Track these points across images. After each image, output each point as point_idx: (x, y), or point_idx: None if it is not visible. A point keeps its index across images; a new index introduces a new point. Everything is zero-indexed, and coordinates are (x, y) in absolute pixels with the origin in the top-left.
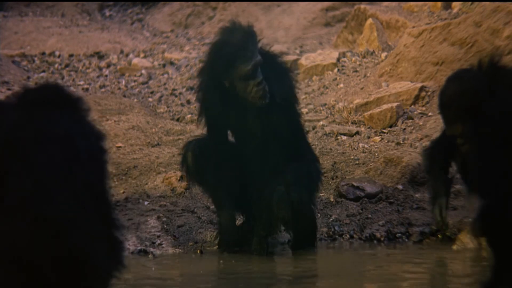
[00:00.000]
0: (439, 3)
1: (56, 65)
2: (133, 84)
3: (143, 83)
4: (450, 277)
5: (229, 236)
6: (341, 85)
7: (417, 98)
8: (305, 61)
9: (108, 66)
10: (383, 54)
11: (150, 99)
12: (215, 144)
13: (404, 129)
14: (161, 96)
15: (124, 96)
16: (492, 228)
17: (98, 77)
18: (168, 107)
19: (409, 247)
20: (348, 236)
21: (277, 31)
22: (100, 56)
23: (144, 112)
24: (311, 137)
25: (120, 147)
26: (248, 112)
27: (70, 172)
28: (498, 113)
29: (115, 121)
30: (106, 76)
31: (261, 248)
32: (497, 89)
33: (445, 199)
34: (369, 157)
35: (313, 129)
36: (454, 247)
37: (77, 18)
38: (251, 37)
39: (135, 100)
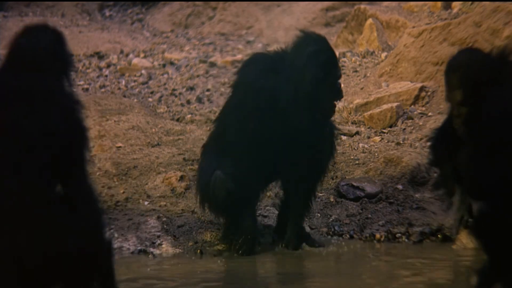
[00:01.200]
0: (439, 3)
1: None
2: (133, 84)
3: (143, 83)
4: (450, 277)
5: (253, 241)
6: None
7: (417, 98)
8: None
9: (108, 66)
10: (383, 54)
11: (150, 99)
12: (252, 150)
13: (404, 129)
14: (161, 96)
15: (124, 96)
16: (489, 230)
17: (98, 77)
18: (168, 107)
19: (409, 247)
20: (348, 236)
21: (277, 31)
22: (100, 56)
23: (144, 112)
24: None
25: (120, 147)
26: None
27: (38, 145)
28: (503, 103)
29: (115, 121)
30: (106, 76)
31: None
32: (504, 78)
33: (459, 198)
34: (369, 157)
35: None
36: (454, 247)
37: (77, 18)
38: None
39: (135, 100)
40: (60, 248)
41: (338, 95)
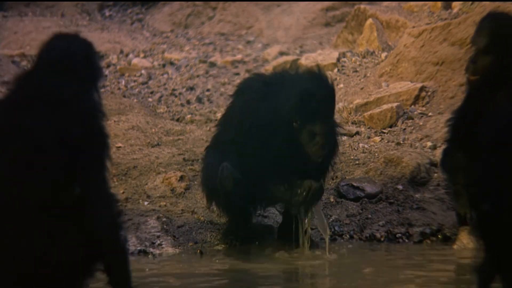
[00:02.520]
0: (439, 3)
1: None
2: (133, 84)
3: (143, 83)
4: (451, 277)
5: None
6: (341, 85)
7: (417, 98)
8: (305, 61)
9: (108, 66)
10: (383, 54)
11: (150, 99)
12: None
13: (404, 129)
14: (161, 96)
15: (124, 96)
16: (490, 228)
17: None
18: (168, 107)
19: (409, 247)
20: (348, 236)
21: (277, 31)
22: (99, 56)
23: (144, 112)
24: None
25: (120, 147)
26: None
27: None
28: None
29: (115, 121)
30: (106, 76)
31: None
32: None
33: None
34: (369, 157)
35: None
36: (455, 246)
37: (77, 18)
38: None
39: (135, 100)
40: (72, 250)
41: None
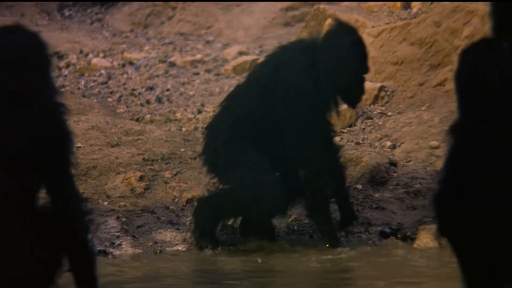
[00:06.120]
0: (398, 3)
1: None
2: (92, 84)
3: (102, 83)
4: (410, 276)
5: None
6: None
7: (376, 98)
8: None
9: (68, 66)
10: None
11: (109, 99)
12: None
13: (364, 129)
14: (120, 96)
15: (84, 96)
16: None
17: (57, 77)
18: (127, 107)
19: (368, 246)
20: (308, 236)
21: (236, 31)
22: (59, 56)
23: (104, 112)
24: None
25: (79, 147)
26: None
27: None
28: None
29: (74, 121)
30: (66, 76)
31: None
32: None
33: None
34: None
35: None
36: (414, 246)
37: (36, 18)
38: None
39: (95, 100)
40: (40, 252)
41: (363, 88)
